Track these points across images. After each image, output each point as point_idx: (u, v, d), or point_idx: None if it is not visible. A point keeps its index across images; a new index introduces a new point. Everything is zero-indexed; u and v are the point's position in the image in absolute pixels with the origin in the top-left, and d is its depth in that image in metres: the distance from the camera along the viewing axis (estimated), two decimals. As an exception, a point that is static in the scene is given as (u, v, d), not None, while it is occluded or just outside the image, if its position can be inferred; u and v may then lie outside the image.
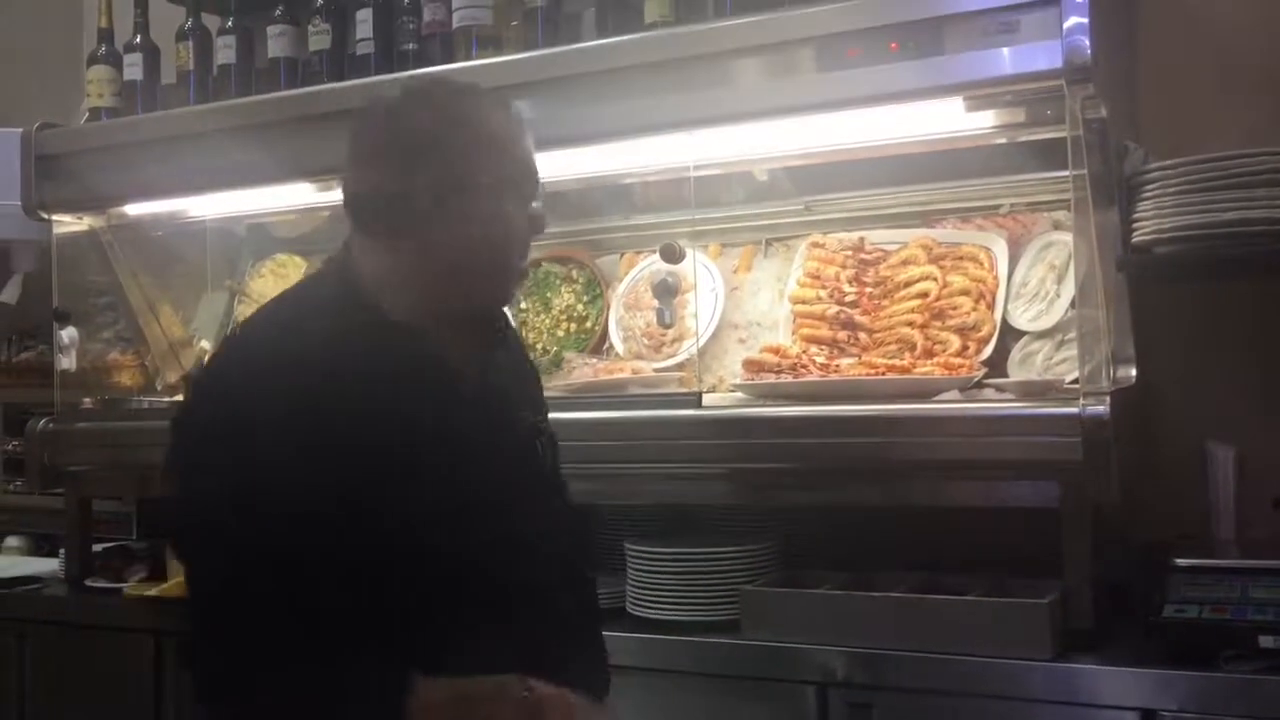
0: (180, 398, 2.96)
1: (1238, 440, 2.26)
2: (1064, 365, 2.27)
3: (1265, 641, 1.75)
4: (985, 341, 2.33)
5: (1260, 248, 1.96)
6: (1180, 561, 1.90)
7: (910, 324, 2.39)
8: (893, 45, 2.07)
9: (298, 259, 3.23)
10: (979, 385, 2.25)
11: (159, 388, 3.13)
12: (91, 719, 2.69)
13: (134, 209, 3.05)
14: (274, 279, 3.25)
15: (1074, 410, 1.91)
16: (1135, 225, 2.06)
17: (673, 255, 2.43)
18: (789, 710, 1.98)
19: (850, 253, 2.56)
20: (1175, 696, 1.76)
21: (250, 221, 3.23)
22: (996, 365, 2.32)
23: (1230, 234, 1.95)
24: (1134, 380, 2.06)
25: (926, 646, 1.92)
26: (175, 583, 2.68)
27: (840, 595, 2.05)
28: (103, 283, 3.14)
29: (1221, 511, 2.23)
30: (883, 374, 2.26)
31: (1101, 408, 1.90)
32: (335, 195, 2.76)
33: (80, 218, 3.07)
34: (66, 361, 2.97)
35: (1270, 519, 2.21)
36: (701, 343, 2.55)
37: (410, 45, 2.64)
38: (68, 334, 2.96)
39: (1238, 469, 2.24)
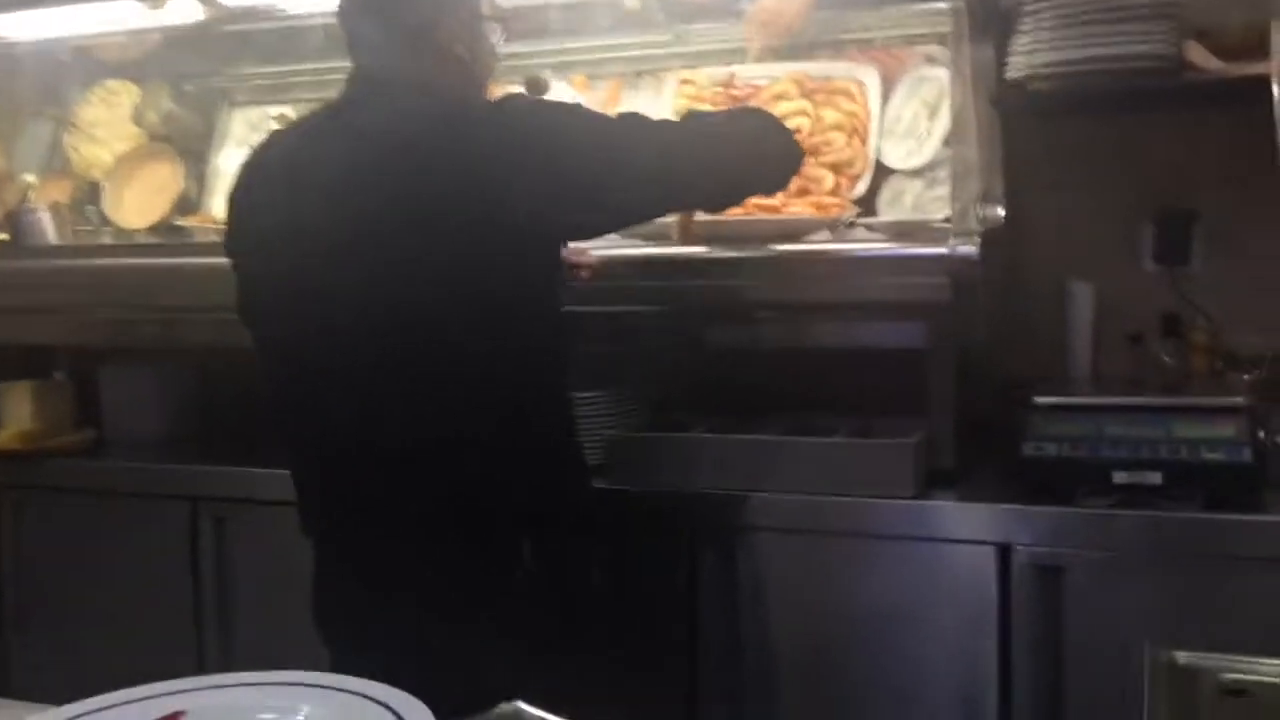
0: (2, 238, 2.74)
1: (1098, 279, 2.28)
2: (935, 204, 2.25)
3: (1119, 477, 1.79)
4: (858, 178, 2.30)
5: (1134, 84, 1.94)
6: (1039, 400, 1.93)
7: (782, 161, 2.32)
8: None
9: (131, 85, 3.00)
10: (850, 225, 2.21)
11: (-20, 226, 2.89)
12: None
13: (-63, 27, 2.76)
14: (105, 107, 3.02)
15: (943, 251, 1.89)
16: (1010, 61, 2.02)
17: (537, 87, 2.30)
18: (660, 554, 1.98)
19: (720, 89, 2.47)
20: (1031, 531, 1.80)
21: (75, 44, 2.95)
22: (867, 204, 2.29)
23: (1104, 70, 1.93)
24: (1002, 220, 2.05)
25: (794, 488, 1.92)
26: (9, 433, 2.53)
27: (707, 438, 2.03)
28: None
29: (1079, 349, 2.27)
30: (752, 213, 2.20)
31: (970, 248, 1.88)
32: (166, 16, 2.59)
33: (-124, 35, 2.77)
34: None
35: (1126, 355, 2.26)
36: (567, 179, 2.45)
37: None
38: None
39: (1096, 307, 2.28)
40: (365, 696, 0.87)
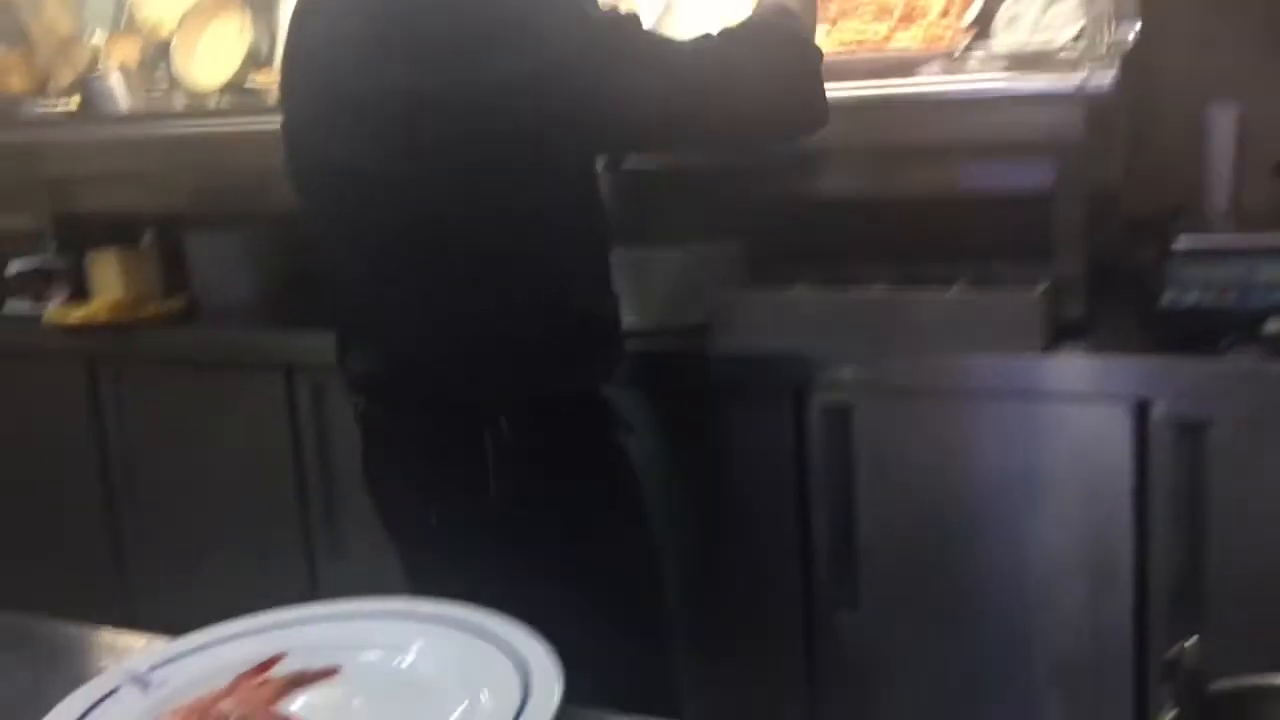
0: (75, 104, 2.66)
1: (1241, 100, 2.07)
2: (1057, 21, 2.04)
3: (1271, 327, 1.65)
4: (970, 1, 2.09)
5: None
6: (1181, 244, 1.77)
7: (888, -15, 2.13)
8: None
9: (191, -68, 2.85)
10: (963, 56, 2.02)
11: (51, 92, 2.82)
12: (20, 454, 2.58)
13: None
14: (170, -44, 2.88)
15: (1074, 85, 1.71)
16: None
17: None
18: (765, 417, 1.89)
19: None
20: (1172, 386, 1.67)
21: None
22: (982, 27, 2.09)
23: None
24: (1134, 40, 1.85)
25: (909, 345, 1.81)
26: (100, 303, 2.51)
27: (815, 294, 1.91)
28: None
29: (1219, 181, 2.08)
30: (854, 51, 2.03)
31: (1105, 81, 1.70)
32: None
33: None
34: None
35: (1268, 187, 2.07)
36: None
37: None
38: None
39: (1239, 132, 2.08)
40: (486, 637, 0.80)
